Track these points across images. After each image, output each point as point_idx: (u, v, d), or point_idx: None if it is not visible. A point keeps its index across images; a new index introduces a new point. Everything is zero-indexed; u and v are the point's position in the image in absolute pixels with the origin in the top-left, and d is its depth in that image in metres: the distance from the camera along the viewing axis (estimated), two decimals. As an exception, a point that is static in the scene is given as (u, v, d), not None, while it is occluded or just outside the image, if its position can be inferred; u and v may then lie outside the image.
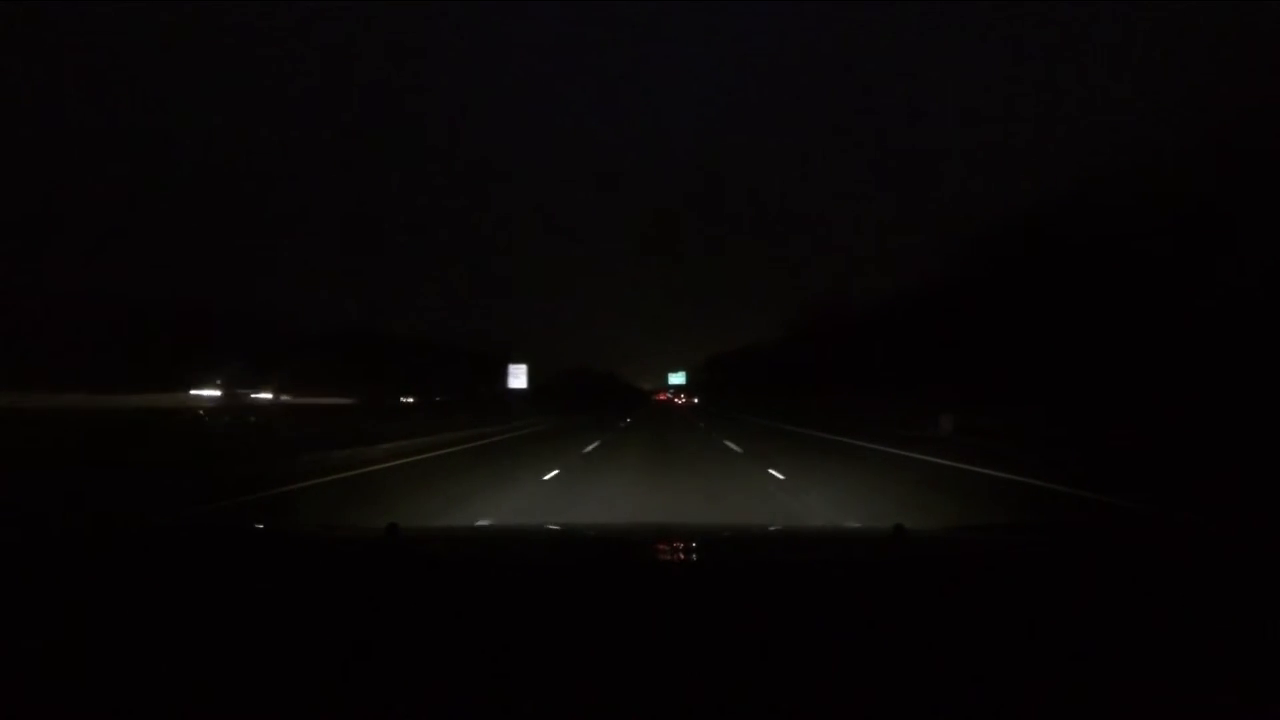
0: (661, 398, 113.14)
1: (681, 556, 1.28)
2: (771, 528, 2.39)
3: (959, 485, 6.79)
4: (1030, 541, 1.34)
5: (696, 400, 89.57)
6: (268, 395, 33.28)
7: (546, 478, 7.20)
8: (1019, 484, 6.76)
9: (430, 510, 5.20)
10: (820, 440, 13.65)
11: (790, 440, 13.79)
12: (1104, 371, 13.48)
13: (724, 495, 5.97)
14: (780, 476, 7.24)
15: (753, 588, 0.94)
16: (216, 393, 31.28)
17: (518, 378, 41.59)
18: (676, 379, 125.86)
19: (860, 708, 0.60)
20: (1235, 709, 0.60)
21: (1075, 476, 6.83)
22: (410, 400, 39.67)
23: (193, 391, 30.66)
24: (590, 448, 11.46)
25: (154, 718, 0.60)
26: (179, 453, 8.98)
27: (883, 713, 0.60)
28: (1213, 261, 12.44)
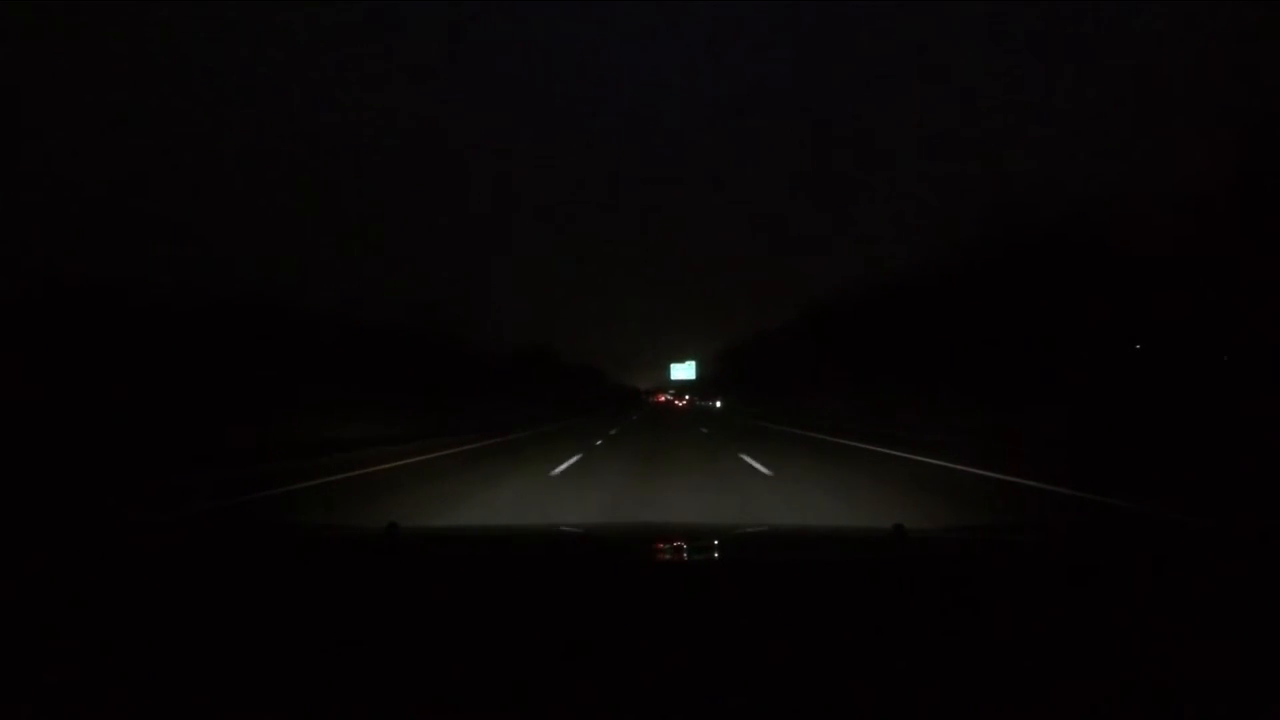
0: (660, 398, 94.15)
1: (683, 557, 1.28)
2: (772, 528, 2.39)
3: None
4: (1031, 541, 1.34)
5: (718, 404, 56.89)
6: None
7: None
8: None
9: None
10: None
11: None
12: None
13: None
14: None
15: (753, 588, 0.94)
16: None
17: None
18: (682, 372, 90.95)
19: (861, 708, 0.60)
20: (1237, 709, 0.60)
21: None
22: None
23: None
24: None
25: (152, 716, 0.60)
26: None
27: (883, 713, 0.60)
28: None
